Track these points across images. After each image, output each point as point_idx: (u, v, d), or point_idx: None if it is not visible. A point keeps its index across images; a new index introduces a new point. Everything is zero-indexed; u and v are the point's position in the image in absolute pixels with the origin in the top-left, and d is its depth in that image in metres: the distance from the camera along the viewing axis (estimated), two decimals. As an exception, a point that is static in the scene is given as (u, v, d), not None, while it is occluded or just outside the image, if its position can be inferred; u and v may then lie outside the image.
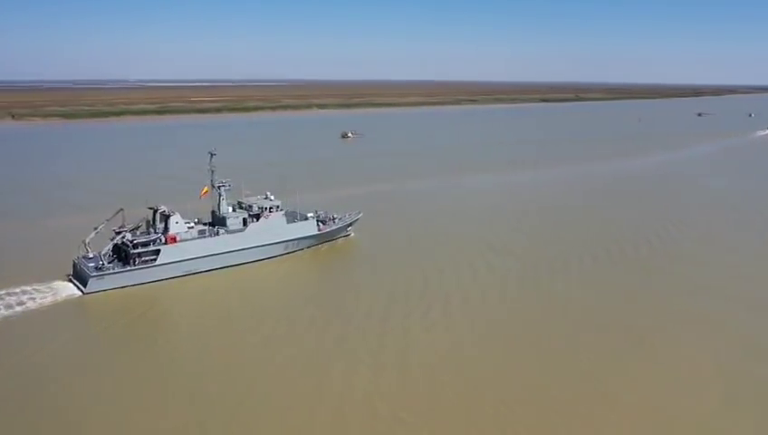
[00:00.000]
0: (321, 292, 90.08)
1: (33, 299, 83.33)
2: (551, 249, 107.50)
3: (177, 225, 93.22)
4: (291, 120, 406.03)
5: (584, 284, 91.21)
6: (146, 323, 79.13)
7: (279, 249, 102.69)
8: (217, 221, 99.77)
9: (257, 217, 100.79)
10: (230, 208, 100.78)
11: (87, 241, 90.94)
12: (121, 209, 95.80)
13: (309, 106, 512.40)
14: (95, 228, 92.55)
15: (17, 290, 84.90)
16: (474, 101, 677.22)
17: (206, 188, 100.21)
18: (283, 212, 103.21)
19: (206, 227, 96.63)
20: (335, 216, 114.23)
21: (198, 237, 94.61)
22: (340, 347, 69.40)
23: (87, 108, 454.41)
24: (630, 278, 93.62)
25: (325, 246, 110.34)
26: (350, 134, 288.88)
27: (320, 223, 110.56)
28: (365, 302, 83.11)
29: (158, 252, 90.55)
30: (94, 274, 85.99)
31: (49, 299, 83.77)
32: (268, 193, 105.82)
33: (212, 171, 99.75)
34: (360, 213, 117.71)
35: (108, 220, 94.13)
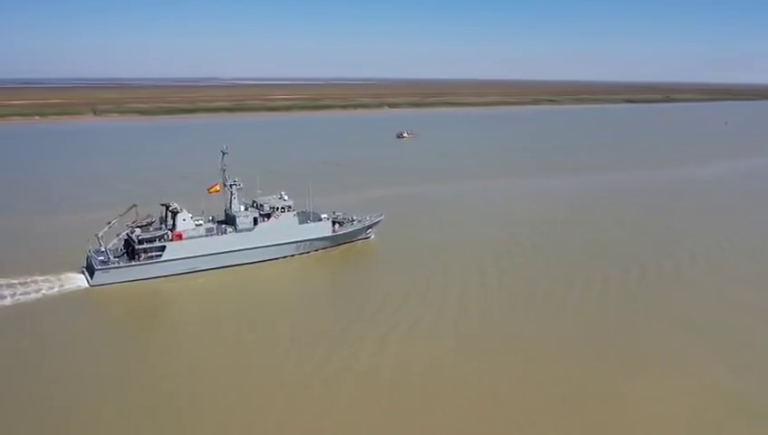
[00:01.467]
0: (320, 295, 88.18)
1: (52, 287, 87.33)
2: (579, 262, 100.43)
3: (185, 222, 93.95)
4: (358, 119, 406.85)
5: (603, 301, 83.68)
6: (134, 318, 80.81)
7: (290, 250, 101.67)
8: (229, 220, 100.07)
9: (268, 216, 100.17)
10: (242, 207, 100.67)
11: (100, 235, 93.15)
12: (134, 205, 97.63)
13: (380, 105, 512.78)
14: (108, 223, 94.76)
15: (39, 278, 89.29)
16: (553, 101, 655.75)
17: (216, 186, 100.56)
18: (294, 212, 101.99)
19: (214, 226, 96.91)
20: (354, 217, 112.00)
21: (205, 235, 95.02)
22: (314, 353, 67.34)
23: (167, 105, 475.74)
24: (659, 297, 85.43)
25: (341, 248, 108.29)
26: (405, 134, 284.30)
27: (336, 224, 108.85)
28: (359, 308, 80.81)
29: (163, 248, 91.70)
30: (99, 267, 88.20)
31: (60, 289, 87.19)
32: (282, 193, 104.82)
33: (223, 170, 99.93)
34: (381, 215, 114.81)
35: (121, 215, 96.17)
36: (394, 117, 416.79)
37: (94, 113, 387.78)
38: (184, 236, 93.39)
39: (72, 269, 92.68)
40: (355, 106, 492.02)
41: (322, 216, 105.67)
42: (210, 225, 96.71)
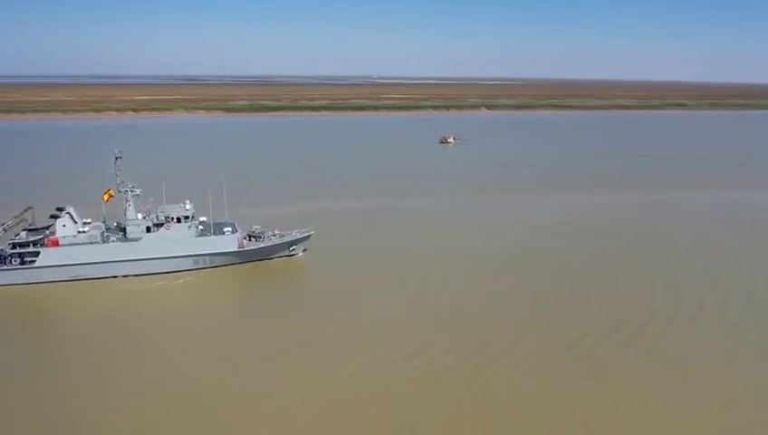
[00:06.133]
0: (185, 315, 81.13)
1: None
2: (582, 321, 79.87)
3: (65, 228, 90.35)
4: (437, 120, 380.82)
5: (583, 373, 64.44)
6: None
7: (186, 264, 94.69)
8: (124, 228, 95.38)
9: (161, 225, 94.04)
10: (139, 215, 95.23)
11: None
12: (30, 208, 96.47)
13: (479, 107, 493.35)
14: (2, 224, 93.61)
15: None
16: (682, 106, 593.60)
17: (110, 191, 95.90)
18: (189, 223, 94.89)
19: (99, 233, 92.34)
20: (276, 232, 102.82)
21: (87, 243, 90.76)
22: (141, 382, 62.67)
23: (266, 102, 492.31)
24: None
25: (252, 265, 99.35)
26: (450, 139, 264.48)
27: (252, 238, 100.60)
28: (221, 336, 73.37)
29: (37, 254, 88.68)
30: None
31: None
32: (187, 201, 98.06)
33: (116, 175, 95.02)
34: (310, 231, 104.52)
35: (16, 217, 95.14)
36: (480, 119, 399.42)
37: (185, 110, 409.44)
38: (61, 242, 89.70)
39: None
40: (448, 107, 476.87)
41: (226, 229, 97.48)
42: (95, 232, 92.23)
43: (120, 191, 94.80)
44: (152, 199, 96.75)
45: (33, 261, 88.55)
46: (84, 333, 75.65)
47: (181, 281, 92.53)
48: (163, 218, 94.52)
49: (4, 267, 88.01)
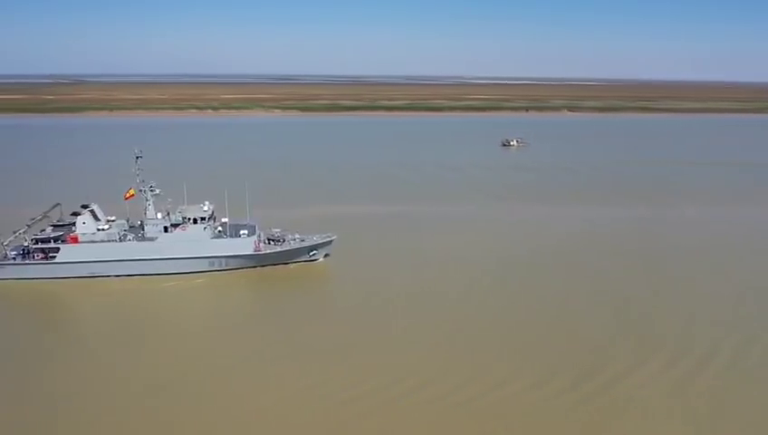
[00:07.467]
0: (188, 321, 79.89)
1: None
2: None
3: (84, 225, 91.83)
4: (511, 122, 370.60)
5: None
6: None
7: (202, 265, 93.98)
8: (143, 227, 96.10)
9: (177, 226, 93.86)
10: (159, 215, 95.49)
11: (21, 232, 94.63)
12: (58, 204, 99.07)
13: (560, 109, 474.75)
14: (32, 219, 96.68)
15: None
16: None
17: (131, 191, 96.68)
18: (205, 225, 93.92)
19: (117, 231, 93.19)
20: (297, 236, 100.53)
21: (103, 241, 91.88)
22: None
23: (346, 102, 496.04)
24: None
25: (269, 269, 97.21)
26: (513, 142, 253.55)
27: (272, 242, 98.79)
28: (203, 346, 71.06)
29: (57, 250, 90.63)
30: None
31: None
32: (206, 202, 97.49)
33: (137, 174, 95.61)
34: (331, 236, 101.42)
35: (44, 213, 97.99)
36: (558, 121, 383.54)
37: (262, 109, 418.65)
38: (81, 239, 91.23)
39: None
40: (527, 109, 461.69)
41: (242, 231, 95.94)
42: (114, 230, 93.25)
43: (140, 190, 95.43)
44: (170, 200, 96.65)
45: (54, 257, 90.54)
46: (86, 330, 76.84)
47: (193, 282, 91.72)
48: (180, 219, 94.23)
49: (26, 262, 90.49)
